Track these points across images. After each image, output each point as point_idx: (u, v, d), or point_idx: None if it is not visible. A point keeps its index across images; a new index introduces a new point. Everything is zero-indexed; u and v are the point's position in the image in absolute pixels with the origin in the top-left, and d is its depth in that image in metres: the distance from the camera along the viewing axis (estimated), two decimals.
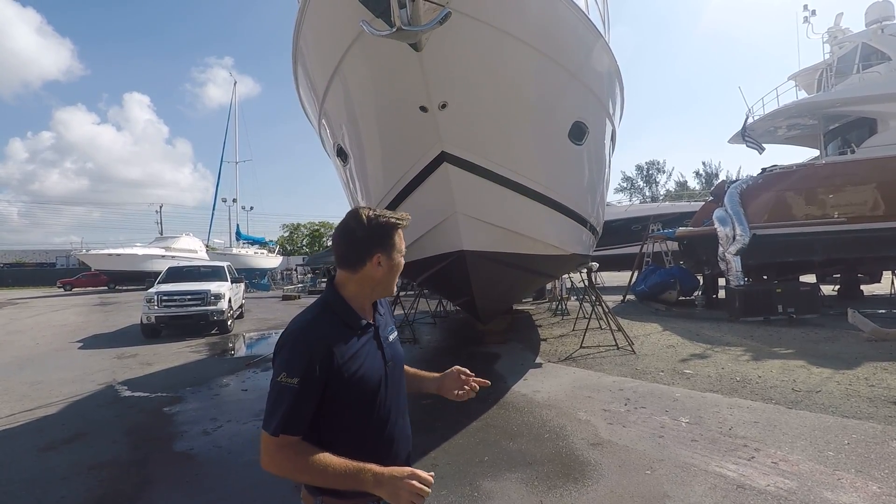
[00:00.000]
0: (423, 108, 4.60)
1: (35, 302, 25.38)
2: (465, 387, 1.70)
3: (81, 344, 10.97)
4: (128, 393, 6.63)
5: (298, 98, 6.83)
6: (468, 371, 1.73)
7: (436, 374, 1.78)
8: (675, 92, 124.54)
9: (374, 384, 1.43)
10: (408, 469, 1.32)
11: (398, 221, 1.49)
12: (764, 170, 13.13)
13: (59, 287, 38.16)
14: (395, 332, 1.63)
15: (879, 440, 4.09)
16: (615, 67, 6.78)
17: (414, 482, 1.27)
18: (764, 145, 15.06)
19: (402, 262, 1.52)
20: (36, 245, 68.55)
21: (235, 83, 53.99)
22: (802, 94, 16.01)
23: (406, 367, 1.70)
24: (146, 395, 6.51)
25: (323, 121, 6.27)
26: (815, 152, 15.48)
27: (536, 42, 4.88)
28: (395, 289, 1.62)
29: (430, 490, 1.29)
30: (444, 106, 4.60)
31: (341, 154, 6.34)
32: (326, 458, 1.31)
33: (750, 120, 15.16)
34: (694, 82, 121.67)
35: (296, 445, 1.32)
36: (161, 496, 3.65)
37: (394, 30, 3.19)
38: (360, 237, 1.43)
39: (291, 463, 1.30)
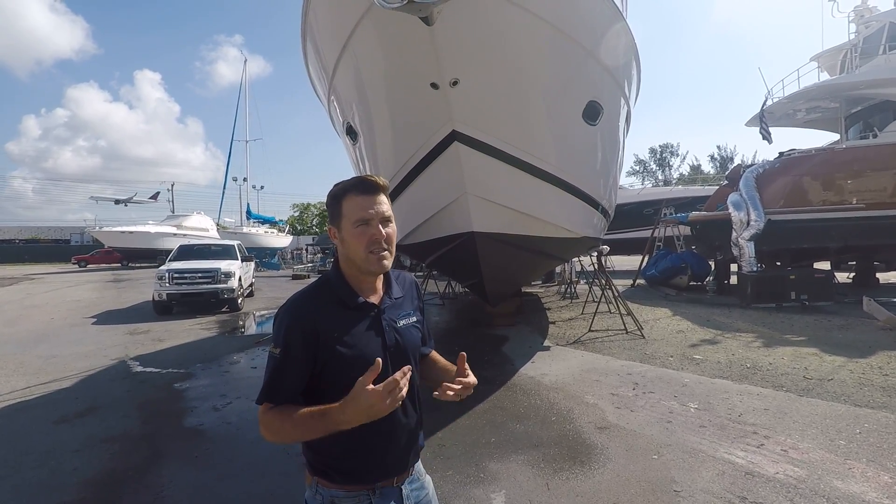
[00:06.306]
0: (434, 85, 4.50)
1: (50, 277, 25.80)
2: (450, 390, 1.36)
3: (95, 319, 11.13)
4: (139, 368, 6.72)
5: (308, 75, 6.74)
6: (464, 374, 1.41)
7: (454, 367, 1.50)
8: (690, 73, 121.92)
9: (366, 368, 1.28)
10: (358, 382, 1.16)
11: (346, 187, 1.35)
12: (782, 154, 12.84)
13: (74, 263, 38.69)
14: (413, 318, 1.51)
15: (892, 430, 4.02)
16: (632, 45, 6.58)
17: (369, 389, 1.14)
18: (773, 132, 14.54)
19: (364, 230, 1.32)
20: (51, 222, 69.41)
21: (246, 61, 53.81)
22: (825, 76, 15.52)
23: (441, 359, 1.60)
24: (157, 370, 6.59)
25: (332, 98, 6.18)
26: (835, 136, 15.09)
27: (552, 17, 4.72)
28: (383, 263, 1.36)
29: (395, 386, 1.14)
30: (455, 83, 4.49)
31: (351, 133, 6.26)
32: (301, 408, 1.27)
33: (769, 102, 14.78)
34: (711, 63, 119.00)
35: (280, 409, 1.30)
36: (171, 470, 3.69)
37: (405, 2, 3.10)
38: (328, 213, 1.41)
39: (275, 425, 1.28)
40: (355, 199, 1.34)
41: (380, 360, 1.18)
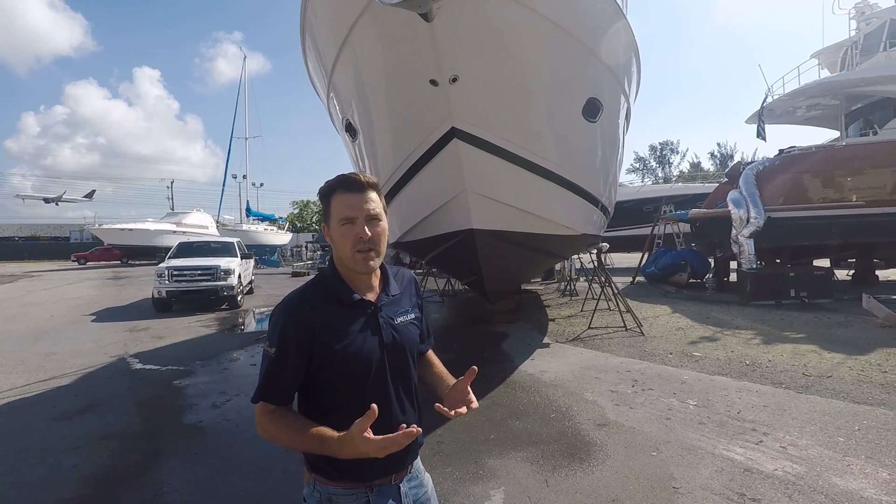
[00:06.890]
0: (434, 82, 4.48)
1: (50, 275, 25.79)
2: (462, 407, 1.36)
3: (95, 317, 11.13)
4: (139, 365, 6.72)
5: (307, 72, 6.72)
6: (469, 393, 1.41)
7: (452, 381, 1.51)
8: (691, 70, 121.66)
9: (363, 366, 1.33)
10: (354, 427, 1.16)
11: (333, 185, 1.35)
12: (781, 151, 12.82)
13: (73, 261, 38.65)
14: (411, 315, 1.50)
15: (891, 427, 4.03)
16: (633, 42, 6.57)
17: (365, 437, 1.15)
18: (773, 130, 14.56)
19: (349, 229, 1.31)
20: (50, 219, 69.02)
21: (245, 58, 53.26)
22: (825, 73, 15.49)
23: (437, 363, 1.60)
24: (157, 367, 6.60)
25: (331, 95, 6.16)
26: (836, 133, 15.07)
27: (552, 14, 4.71)
28: (369, 263, 1.34)
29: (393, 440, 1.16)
30: (454, 80, 4.47)
31: (350, 129, 6.25)
32: (301, 422, 1.29)
33: (769, 99, 14.75)
34: (712, 60, 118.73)
35: (277, 411, 1.31)
36: (170, 467, 3.70)
37: None
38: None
39: (273, 427, 1.29)
40: (341, 198, 1.33)
41: (375, 406, 1.15)
